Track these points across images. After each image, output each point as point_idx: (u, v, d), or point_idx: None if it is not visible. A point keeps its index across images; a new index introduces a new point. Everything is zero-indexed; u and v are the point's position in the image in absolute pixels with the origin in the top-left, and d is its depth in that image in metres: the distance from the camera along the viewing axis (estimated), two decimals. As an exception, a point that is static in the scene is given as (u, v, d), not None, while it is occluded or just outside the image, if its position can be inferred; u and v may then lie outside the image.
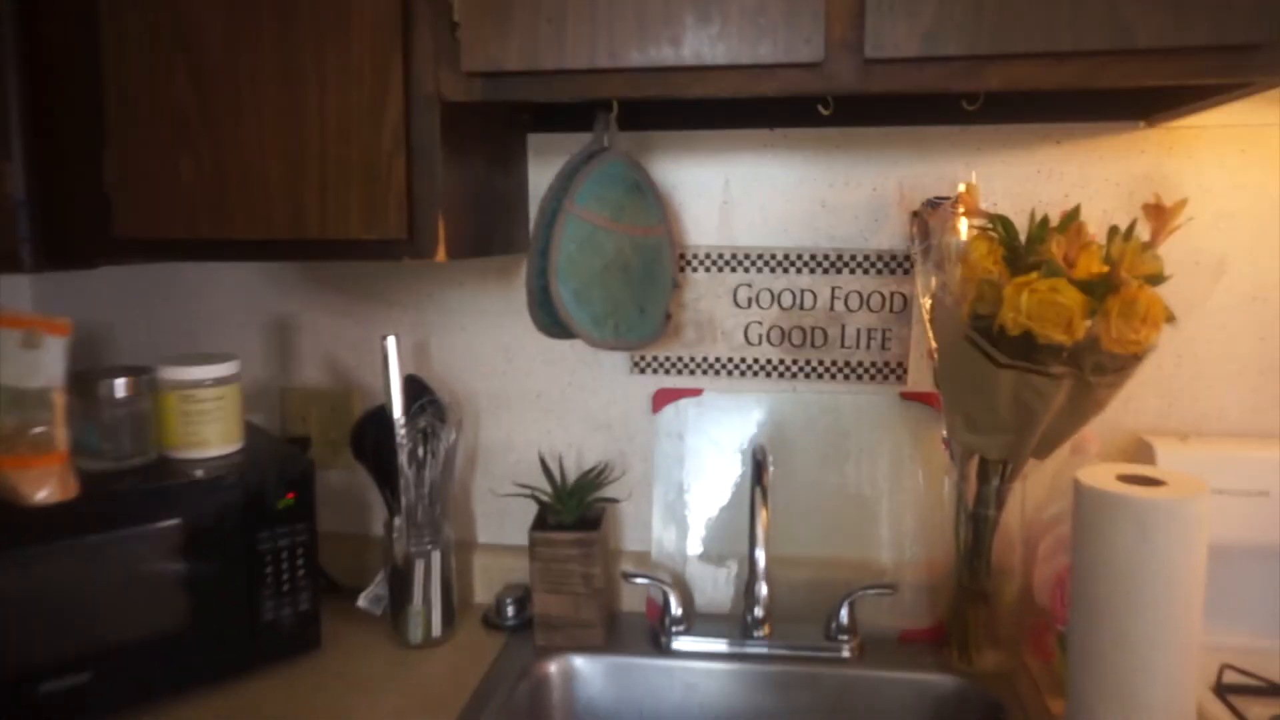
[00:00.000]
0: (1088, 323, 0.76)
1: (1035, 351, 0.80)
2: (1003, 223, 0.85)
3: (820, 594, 1.08)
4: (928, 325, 0.98)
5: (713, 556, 1.11)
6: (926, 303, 0.99)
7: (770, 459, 0.94)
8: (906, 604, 1.07)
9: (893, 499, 1.09)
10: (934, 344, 0.96)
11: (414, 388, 1.09)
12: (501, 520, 1.21)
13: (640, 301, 0.96)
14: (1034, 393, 0.81)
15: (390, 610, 1.08)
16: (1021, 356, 0.81)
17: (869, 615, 1.06)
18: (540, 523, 1.07)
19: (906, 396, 1.09)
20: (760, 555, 0.85)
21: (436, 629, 1.07)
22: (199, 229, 0.88)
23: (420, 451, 1.05)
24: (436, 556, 1.07)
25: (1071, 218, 0.80)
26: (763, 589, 0.84)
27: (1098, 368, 0.80)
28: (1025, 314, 0.77)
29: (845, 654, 1.03)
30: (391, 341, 1.04)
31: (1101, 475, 0.81)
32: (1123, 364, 0.80)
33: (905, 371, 1.09)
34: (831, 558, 1.10)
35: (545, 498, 1.08)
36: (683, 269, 1.10)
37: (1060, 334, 0.76)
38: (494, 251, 1.02)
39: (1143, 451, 1.01)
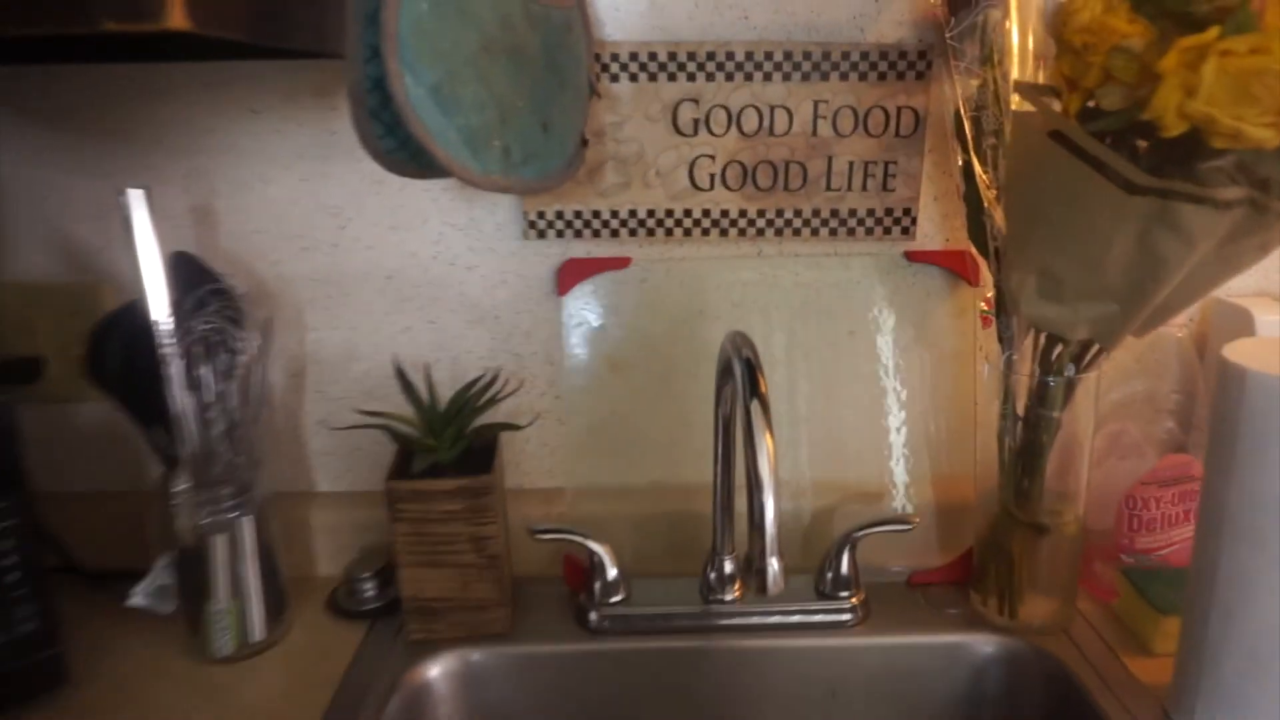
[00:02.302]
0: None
1: (1198, 162, 0.50)
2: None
3: (801, 530, 0.80)
4: (969, 146, 0.67)
5: (654, 492, 0.80)
6: (961, 109, 0.67)
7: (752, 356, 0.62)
8: (917, 538, 0.80)
9: (895, 399, 0.80)
10: (982, 169, 0.65)
11: (188, 271, 0.70)
12: (350, 459, 0.85)
13: (542, 111, 0.59)
14: (1176, 233, 0.52)
15: (185, 610, 0.72)
16: (1169, 173, 0.50)
17: (866, 554, 0.78)
18: (402, 468, 0.72)
19: (914, 257, 0.78)
20: (769, 502, 0.52)
21: (257, 630, 0.72)
22: None
23: (203, 370, 0.67)
24: (247, 525, 0.71)
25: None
26: (773, 564, 0.52)
27: (1286, 187, 0.50)
28: (1205, 97, 0.46)
29: (846, 615, 0.75)
30: (135, 195, 0.64)
31: (1261, 355, 0.54)
32: (1327, 180, 0.51)
33: (914, 222, 0.78)
34: (816, 480, 0.80)
35: (407, 429, 0.73)
36: (598, 76, 0.74)
37: (1266, 126, 0.46)
38: (298, 41, 0.62)
39: (1236, 319, 0.75)
